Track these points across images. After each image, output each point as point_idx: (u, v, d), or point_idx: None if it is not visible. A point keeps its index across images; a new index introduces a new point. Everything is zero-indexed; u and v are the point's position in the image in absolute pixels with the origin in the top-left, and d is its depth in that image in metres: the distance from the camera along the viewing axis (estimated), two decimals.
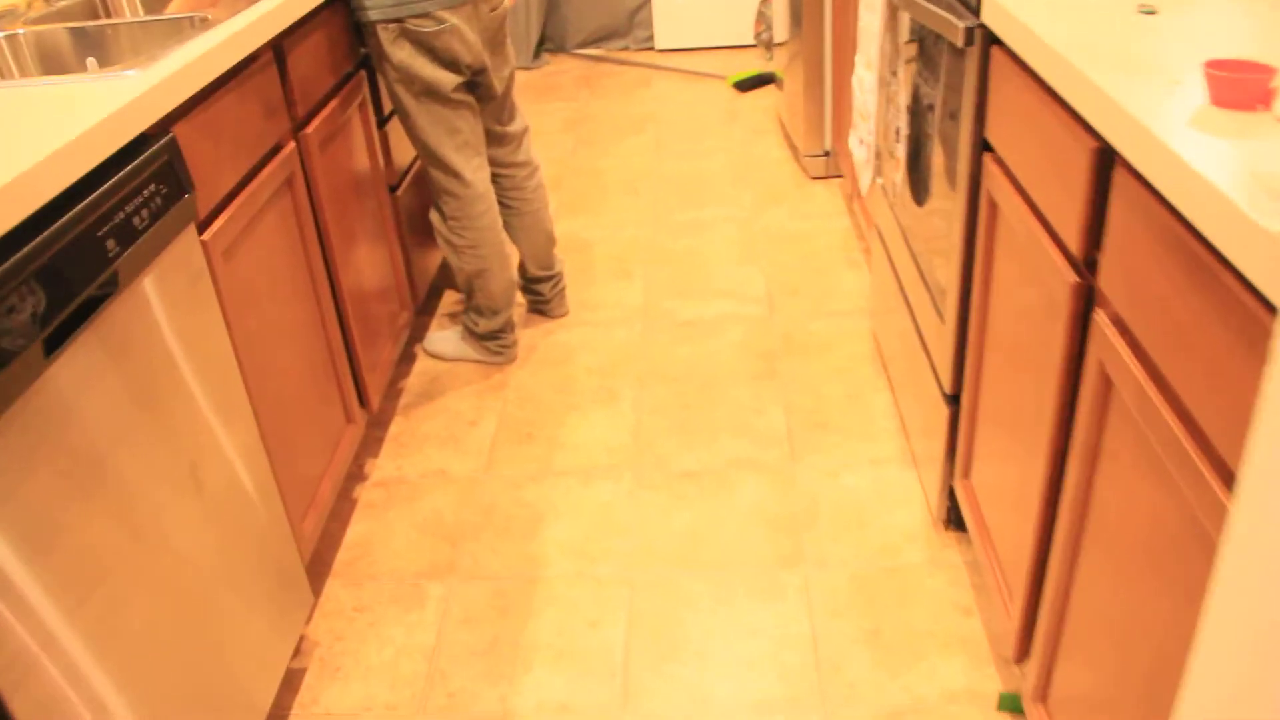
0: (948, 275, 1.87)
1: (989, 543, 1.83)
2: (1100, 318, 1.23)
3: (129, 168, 1.35)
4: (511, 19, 5.17)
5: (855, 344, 2.73)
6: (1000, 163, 1.62)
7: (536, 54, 5.29)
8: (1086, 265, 1.29)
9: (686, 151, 4.04)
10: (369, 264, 2.40)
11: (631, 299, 3.03)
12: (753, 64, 5.05)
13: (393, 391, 2.71)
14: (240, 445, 1.65)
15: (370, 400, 2.36)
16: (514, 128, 2.64)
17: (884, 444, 2.38)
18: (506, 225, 2.79)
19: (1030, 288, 1.49)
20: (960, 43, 1.60)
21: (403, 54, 2.28)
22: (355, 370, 2.30)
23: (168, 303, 1.45)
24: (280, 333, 1.88)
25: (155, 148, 1.42)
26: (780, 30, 3.99)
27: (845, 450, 2.37)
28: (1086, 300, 1.30)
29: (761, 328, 2.84)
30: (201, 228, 1.60)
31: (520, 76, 5.12)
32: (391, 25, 2.24)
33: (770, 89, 4.73)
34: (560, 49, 5.48)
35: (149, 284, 1.40)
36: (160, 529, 1.39)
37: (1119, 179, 1.16)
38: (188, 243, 1.52)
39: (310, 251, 2.04)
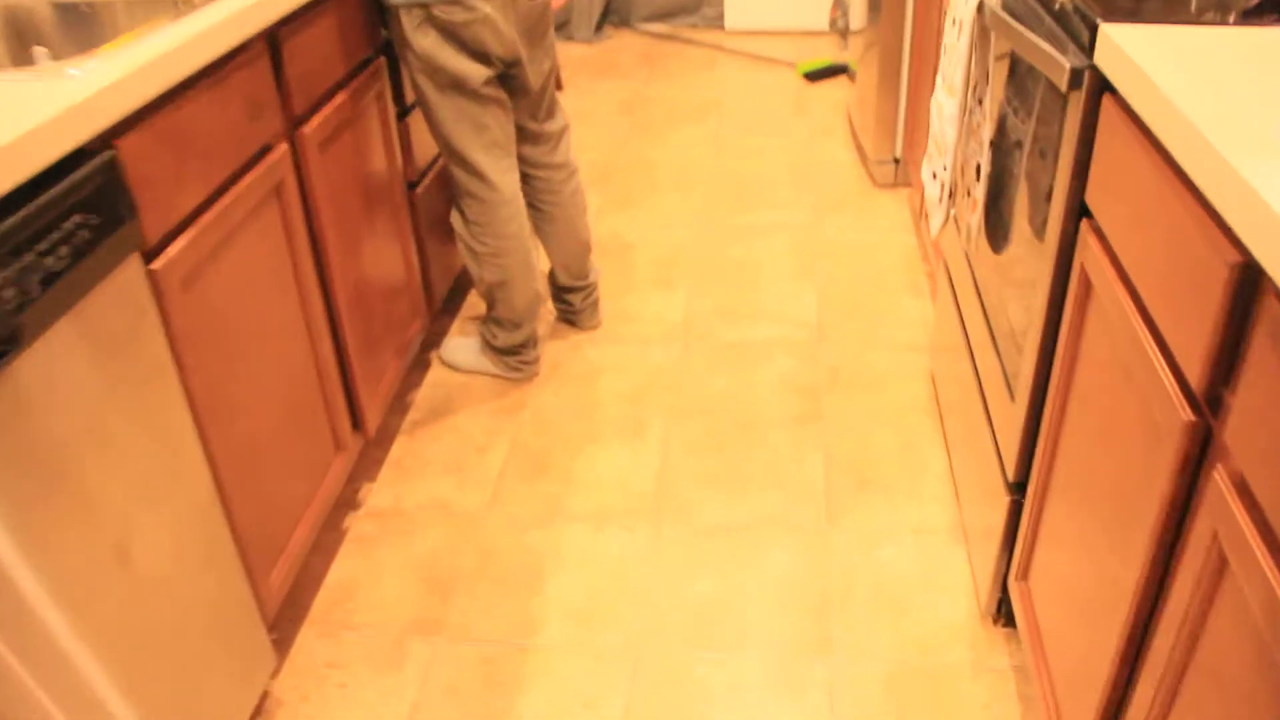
0: (1024, 352, 1.60)
1: (1041, 656, 1.57)
2: (1220, 476, 0.97)
3: (43, 199, 1.12)
4: None
5: (910, 385, 2.47)
6: (1100, 235, 1.35)
7: (599, 27, 5.02)
8: (1208, 403, 1.02)
9: (747, 147, 3.77)
10: (377, 271, 2.18)
11: (672, 313, 2.78)
12: (825, 52, 4.74)
13: (400, 404, 2.49)
14: (188, 509, 1.43)
15: (367, 424, 2.14)
16: (552, 126, 2.39)
17: (932, 510, 2.12)
18: (538, 230, 2.55)
19: (1127, 395, 1.22)
20: (1064, 86, 1.33)
21: (427, 42, 2.04)
22: (351, 392, 2.08)
23: (97, 351, 1.22)
24: (256, 365, 1.66)
25: (85, 171, 1.19)
26: (857, 17, 3.69)
27: (889, 514, 2.11)
28: (1202, 445, 1.04)
29: (810, 357, 2.58)
30: (152, 255, 1.37)
31: (579, 51, 4.85)
32: (416, 10, 2.00)
33: (841, 80, 4.42)
34: (625, 23, 5.20)
35: (69, 332, 1.17)
36: (84, 611, 1.18)
37: (1267, 308, 0.89)
38: (128, 277, 1.29)
39: (300, 267, 1.81)
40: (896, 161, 3.40)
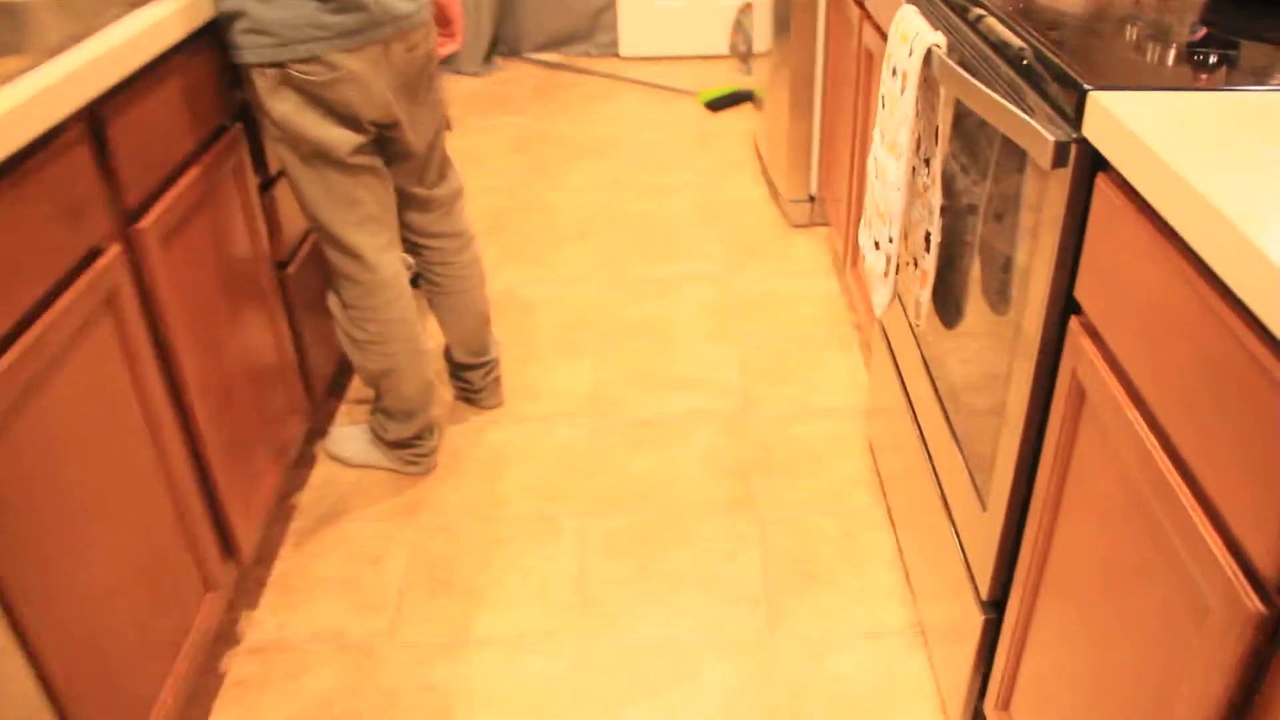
0: (998, 462, 1.38)
1: None
2: None
3: None
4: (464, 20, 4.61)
5: (848, 459, 2.25)
6: (1095, 336, 1.13)
7: (488, 58, 4.75)
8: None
9: (650, 185, 3.53)
10: (245, 368, 1.89)
11: (579, 385, 2.53)
12: (726, 78, 4.54)
13: (284, 510, 2.20)
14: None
15: (241, 549, 1.85)
16: (442, 191, 2.13)
17: (885, 608, 1.90)
18: (431, 304, 2.28)
19: (1146, 543, 1.01)
20: (1048, 164, 1.11)
21: (285, 107, 1.76)
22: (220, 515, 1.79)
23: None
24: (93, 524, 1.37)
25: None
26: (761, 38, 3.46)
27: (838, 616, 1.89)
28: (1271, 633, 0.82)
29: (735, 430, 2.35)
30: None
31: (467, 85, 4.58)
32: (270, 70, 1.72)
33: (746, 109, 4.22)
34: (515, 53, 4.94)
35: None
36: None
37: None
38: None
39: (145, 387, 1.52)
40: (812, 199, 3.20)
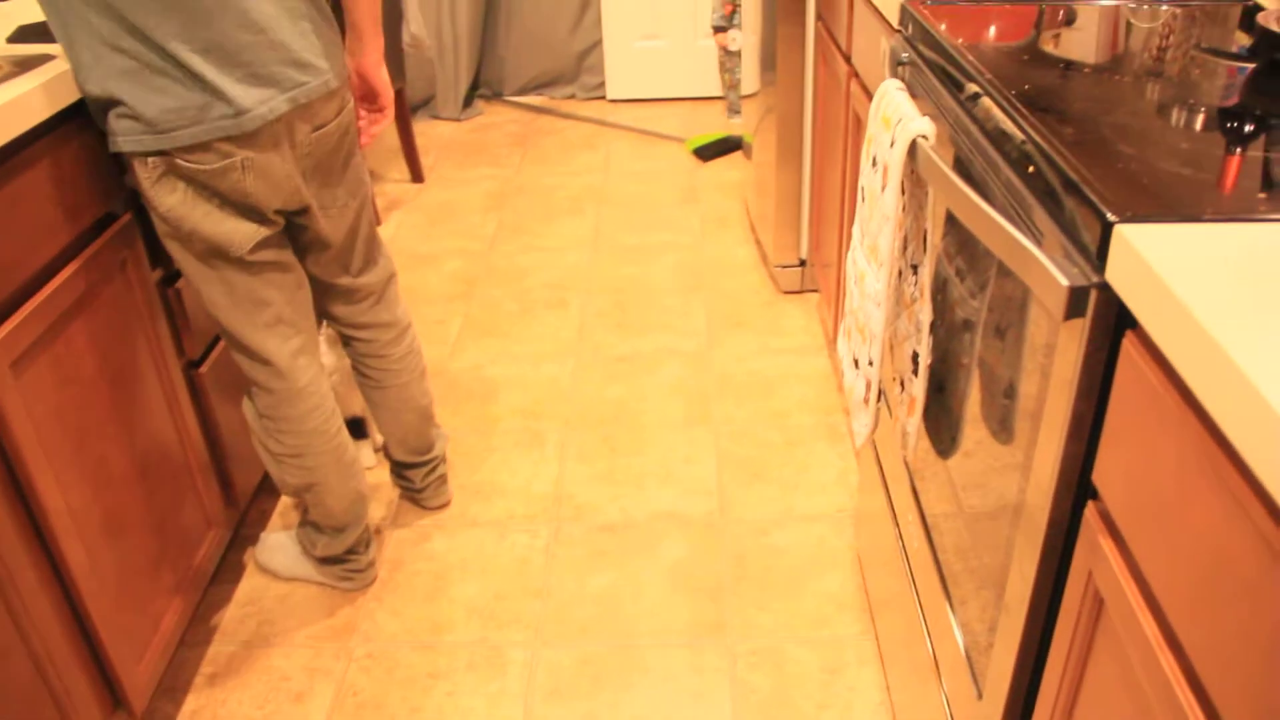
0: (995, 651, 1.13)
1: None
2: None
3: None
4: (439, 62, 4.40)
5: (833, 574, 2.00)
6: (1114, 533, 0.88)
7: (467, 102, 4.52)
8: None
9: (631, 246, 3.29)
10: (139, 491, 1.65)
11: (538, 483, 2.28)
12: (716, 120, 4.31)
13: (201, 632, 1.96)
14: None
15: (131, 702, 1.60)
16: (369, 279, 1.89)
17: None
18: (366, 399, 2.04)
19: None
20: (1060, 313, 0.87)
21: (172, 200, 1.52)
22: (105, 669, 1.55)
23: None
24: None
25: None
26: (749, 79, 3.21)
27: None
28: None
29: (708, 539, 2.10)
30: None
31: (445, 131, 4.36)
32: (153, 159, 1.48)
33: (736, 159, 3.99)
34: (497, 95, 4.72)
35: None
36: None
37: None
38: None
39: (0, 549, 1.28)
40: (802, 263, 2.95)
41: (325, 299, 1.86)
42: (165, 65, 1.40)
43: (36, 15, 1.80)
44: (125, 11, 1.36)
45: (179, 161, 1.48)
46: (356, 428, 2.28)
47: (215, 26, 1.41)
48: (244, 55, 1.45)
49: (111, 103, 1.44)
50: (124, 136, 1.46)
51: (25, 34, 1.65)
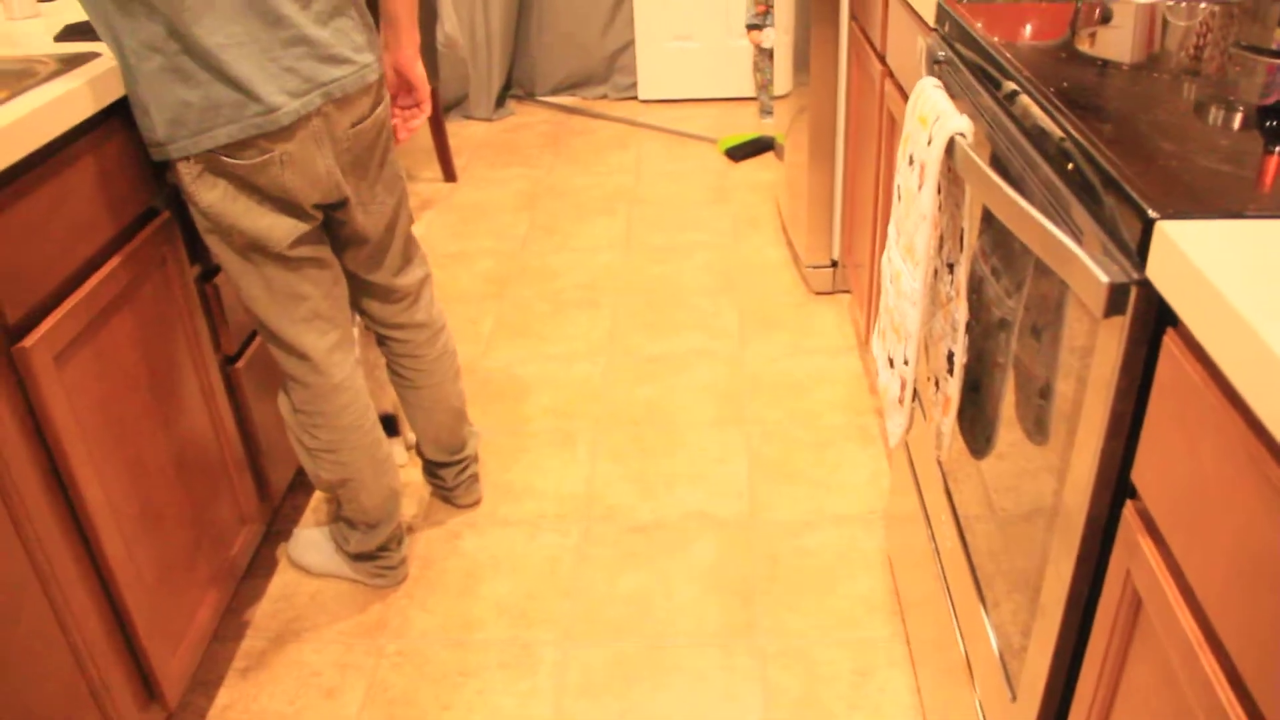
0: (1028, 654, 1.13)
1: None
2: None
3: None
4: (471, 62, 4.42)
5: (864, 575, 1.99)
6: (1153, 532, 0.88)
7: (500, 102, 4.54)
8: None
9: (663, 246, 3.30)
10: (177, 484, 1.67)
11: (569, 483, 2.28)
12: (749, 121, 4.31)
13: (234, 626, 1.97)
14: None
15: (165, 694, 1.62)
16: (406, 279, 1.90)
17: None
18: (400, 398, 2.05)
19: None
20: (1100, 310, 0.86)
21: (213, 196, 1.54)
22: (140, 660, 1.57)
23: None
24: None
25: None
26: (782, 79, 3.20)
27: None
28: None
29: (739, 539, 2.10)
30: None
31: (477, 131, 4.38)
32: (194, 159, 1.50)
33: (768, 159, 3.98)
34: (529, 96, 4.74)
35: None
36: None
37: None
38: None
39: (32, 524, 1.30)
40: (834, 264, 2.94)
41: (361, 297, 1.88)
42: (200, 65, 1.42)
43: (83, 14, 1.82)
44: (163, 11, 1.38)
45: (219, 158, 1.49)
46: (388, 425, 2.29)
47: (246, 24, 1.43)
48: (275, 51, 1.46)
49: (150, 104, 1.45)
50: (170, 144, 1.48)
51: (72, 32, 1.67)
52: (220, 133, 1.46)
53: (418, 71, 1.80)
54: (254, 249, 1.60)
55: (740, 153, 4.00)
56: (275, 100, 1.47)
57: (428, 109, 1.87)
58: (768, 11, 3.93)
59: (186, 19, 1.39)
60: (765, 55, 4.07)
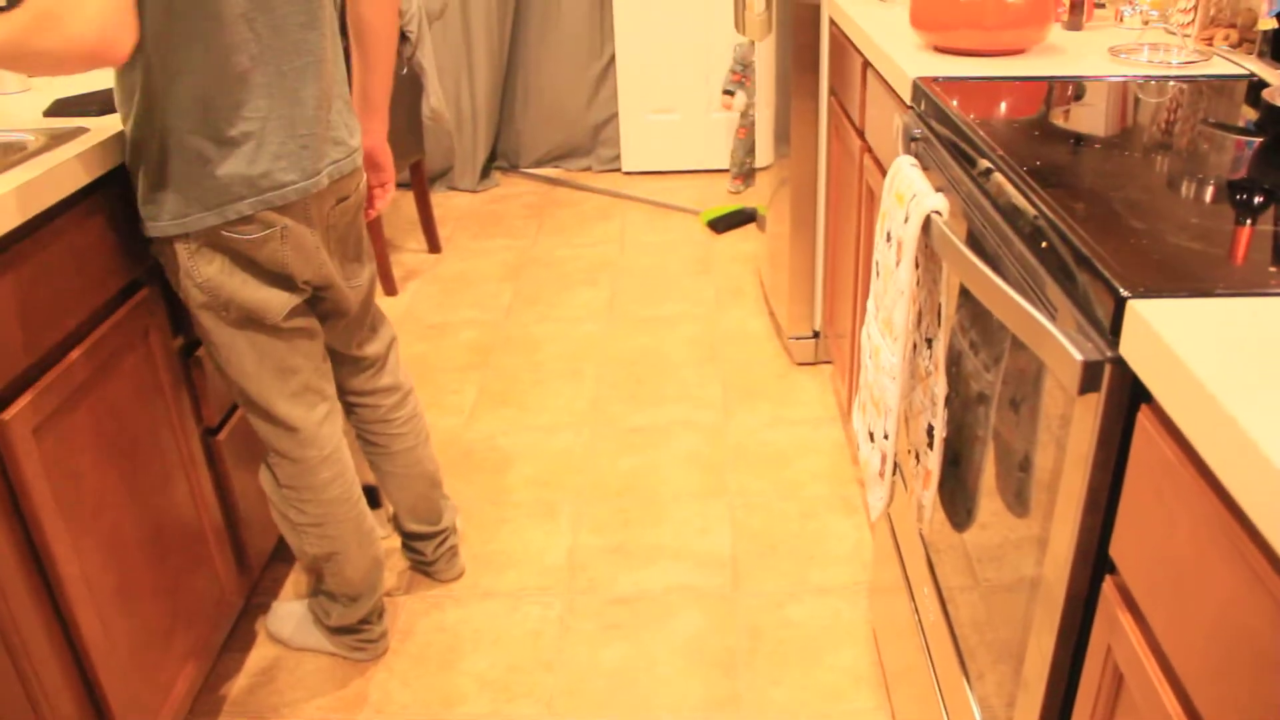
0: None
1: None
2: None
3: None
4: (457, 134, 4.47)
5: (848, 648, 1.98)
6: (1133, 608, 0.88)
7: (485, 174, 4.58)
8: None
9: (646, 317, 3.31)
10: (154, 558, 1.66)
11: (551, 554, 2.27)
12: (731, 196, 4.35)
13: (211, 701, 1.94)
14: None
15: None
16: (374, 348, 1.91)
17: None
18: (374, 468, 2.04)
19: None
20: (1075, 387, 0.87)
21: (211, 270, 1.55)
22: None
23: None
24: None
25: None
26: (763, 151, 3.25)
27: None
28: None
29: (722, 612, 2.09)
30: None
31: (462, 202, 4.41)
32: (193, 235, 1.51)
33: (750, 230, 4.02)
34: (514, 168, 4.78)
35: None
36: None
37: None
38: None
39: (9, 610, 1.28)
40: (816, 335, 2.96)
41: (335, 370, 1.89)
42: (225, 141, 1.45)
43: (72, 89, 1.84)
44: (201, 84, 1.40)
45: (220, 232, 1.51)
46: (369, 497, 2.28)
47: (272, 101, 1.46)
48: (298, 129, 1.50)
49: (164, 180, 1.47)
50: (168, 221, 1.49)
51: (62, 106, 1.69)
52: (231, 209, 1.48)
53: (387, 150, 1.86)
54: (249, 321, 1.61)
55: (723, 224, 4.04)
56: (288, 177, 1.50)
57: (392, 189, 1.91)
58: (741, 80, 4.00)
59: (221, 99, 1.42)
60: (741, 120, 4.13)
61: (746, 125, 4.13)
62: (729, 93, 4.06)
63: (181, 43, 1.39)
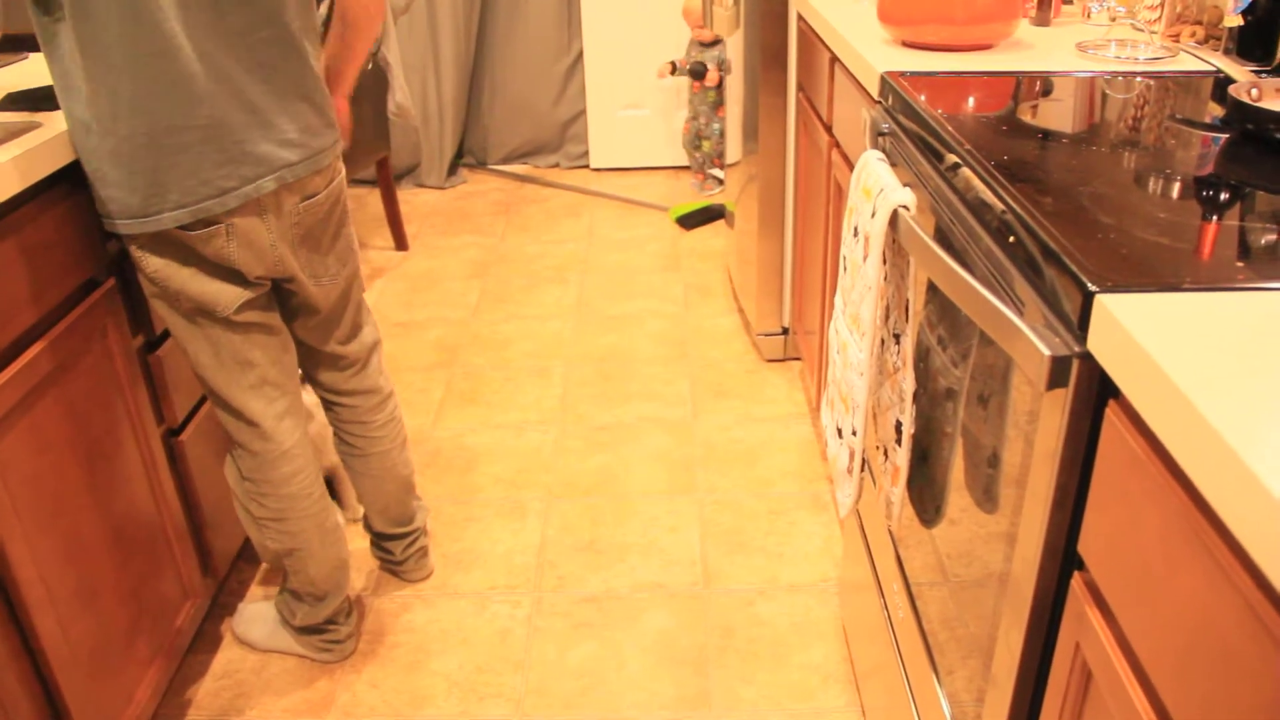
0: (985, 718, 1.12)
1: None
2: None
3: None
4: (423, 131, 4.44)
5: (818, 645, 1.98)
6: (1101, 604, 0.87)
7: (452, 171, 4.55)
8: None
9: (614, 315, 3.30)
10: (114, 560, 1.63)
11: (519, 553, 2.26)
12: (701, 192, 4.34)
13: (176, 705, 1.92)
14: None
15: None
16: (354, 347, 1.88)
17: None
18: (347, 467, 2.02)
19: None
20: (1042, 383, 0.87)
21: (159, 262, 1.52)
22: None
23: None
24: None
25: None
26: (732, 147, 3.24)
27: None
28: None
29: (692, 610, 2.08)
30: None
31: (429, 199, 4.38)
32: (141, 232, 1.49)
33: (719, 226, 4.01)
34: (481, 164, 4.75)
35: None
36: None
37: None
38: None
39: None
40: (785, 331, 2.96)
41: (310, 365, 1.86)
42: (161, 145, 1.42)
43: (26, 82, 1.80)
44: (137, 86, 1.38)
45: (167, 230, 1.48)
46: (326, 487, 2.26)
47: (211, 107, 1.43)
48: (237, 135, 1.47)
49: (105, 179, 1.44)
50: (121, 219, 1.47)
51: (14, 100, 1.66)
52: (168, 217, 1.46)
53: (345, 113, 1.82)
54: (201, 313, 1.58)
55: (691, 221, 4.03)
56: (229, 183, 1.48)
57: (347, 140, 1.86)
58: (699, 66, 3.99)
59: (153, 101, 1.39)
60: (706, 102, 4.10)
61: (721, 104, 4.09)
62: (699, 73, 4.01)
63: (115, 42, 1.37)
